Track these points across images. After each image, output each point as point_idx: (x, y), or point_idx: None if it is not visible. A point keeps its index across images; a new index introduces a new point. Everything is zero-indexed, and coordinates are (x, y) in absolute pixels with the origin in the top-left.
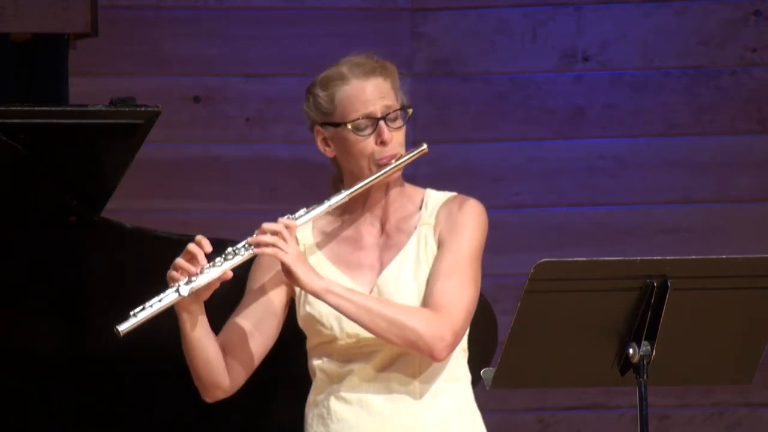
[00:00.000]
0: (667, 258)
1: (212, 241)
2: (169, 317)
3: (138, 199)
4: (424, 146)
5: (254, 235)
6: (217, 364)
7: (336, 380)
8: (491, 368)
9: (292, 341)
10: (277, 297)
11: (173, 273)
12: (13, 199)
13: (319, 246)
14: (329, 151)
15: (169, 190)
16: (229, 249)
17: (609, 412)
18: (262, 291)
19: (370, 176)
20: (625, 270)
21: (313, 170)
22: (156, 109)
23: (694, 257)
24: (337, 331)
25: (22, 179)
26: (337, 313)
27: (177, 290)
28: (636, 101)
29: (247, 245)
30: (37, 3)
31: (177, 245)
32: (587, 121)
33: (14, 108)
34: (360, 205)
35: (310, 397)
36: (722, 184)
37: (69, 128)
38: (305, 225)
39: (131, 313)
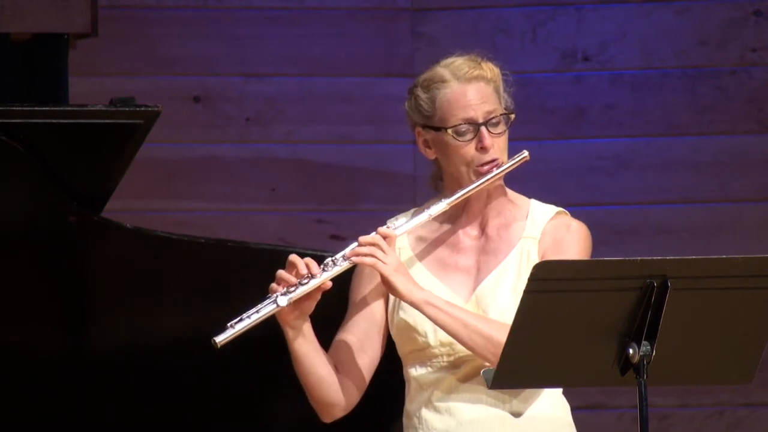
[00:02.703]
0: (667, 258)
1: (214, 242)
2: (171, 317)
3: (138, 199)
4: (525, 153)
5: (351, 248)
6: (330, 382)
7: (427, 388)
8: (491, 368)
9: None
10: (379, 308)
11: (273, 285)
12: (13, 199)
13: (414, 249)
14: (430, 153)
15: (169, 190)
16: (328, 260)
17: (609, 412)
18: (365, 304)
19: (472, 184)
20: (625, 270)
21: (313, 170)
22: (156, 109)
23: (694, 257)
24: (431, 339)
25: (22, 179)
26: (429, 321)
27: (275, 301)
28: (636, 101)
29: (345, 257)
30: (37, 3)
31: (177, 245)
32: (587, 121)
33: (14, 108)
34: (460, 210)
35: (405, 406)
36: (722, 184)
37: (69, 128)
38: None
39: (228, 324)
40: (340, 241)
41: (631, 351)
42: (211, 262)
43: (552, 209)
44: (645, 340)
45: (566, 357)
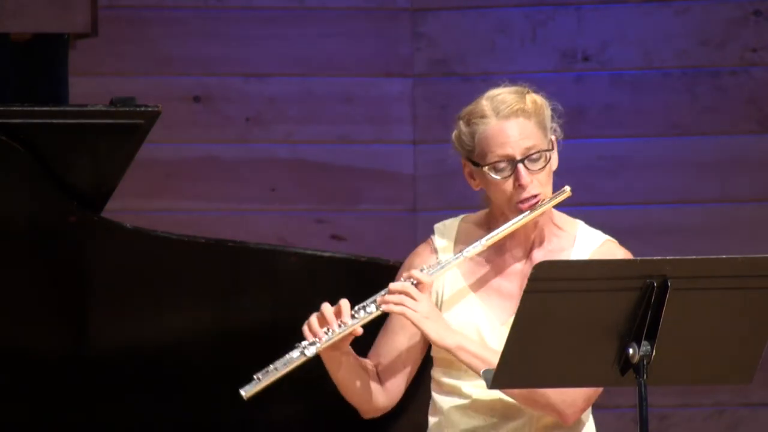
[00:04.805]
0: (667, 258)
1: (214, 242)
2: (171, 317)
3: (138, 199)
4: (567, 190)
5: (382, 294)
6: (368, 392)
7: (456, 392)
8: (491, 368)
9: None
10: None
11: (305, 330)
12: (13, 199)
13: (460, 267)
14: (474, 184)
15: (169, 190)
16: (357, 306)
17: (609, 412)
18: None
19: (506, 225)
20: (625, 270)
21: (313, 170)
22: (156, 109)
23: (694, 257)
24: None
25: (22, 179)
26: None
27: (302, 352)
28: (636, 101)
29: (375, 304)
30: (37, 3)
31: (177, 245)
32: (587, 121)
33: (14, 108)
34: (507, 235)
35: (434, 404)
36: (722, 184)
37: (69, 128)
38: (449, 245)
39: (255, 376)
40: (341, 241)
41: (631, 351)
42: (211, 262)
43: (600, 237)
44: (645, 340)
45: (566, 357)
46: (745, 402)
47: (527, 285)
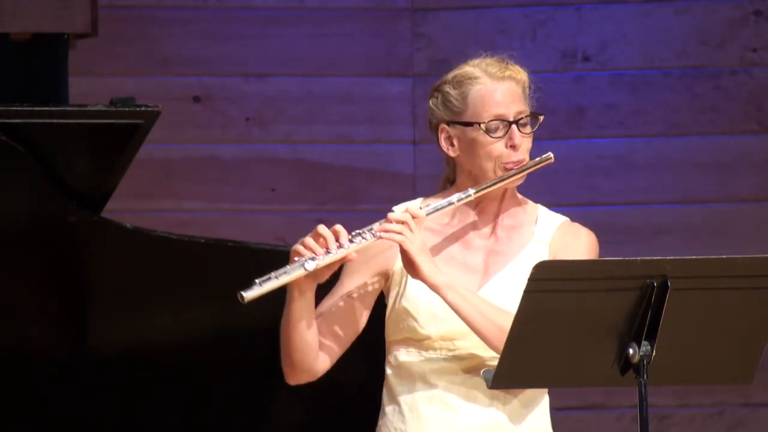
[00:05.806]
0: (667, 258)
1: (214, 242)
2: (171, 317)
3: (138, 199)
4: (551, 155)
5: (380, 223)
6: (313, 348)
7: (419, 378)
8: (491, 368)
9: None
10: (371, 288)
11: (300, 248)
12: (13, 199)
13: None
14: (452, 150)
15: (169, 190)
16: (355, 232)
17: (609, 412)
18: (358, 280)
19: (497, 178)
20: (625, 270)
21: (313, 170)
22: (156, 109)
23: (694, 257)
24: (432, 331)
25: (22, 179)
26: (433, 314)
27: (302, 265)
28: (636, 101)
29: (372, 232)
30: (37, 3)
31: (177, 245)
32: (587, 121)
33: (14, 108)
34: (472, 207)
35: (391, 390)
36: (722, 184)
37: (69, 128)
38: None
39: (256, 281)
40: None
41: (631, 351)
42: (211, 262)
43: (560, 217)
44: (645, 340)
45: (566, 357)
46: (745, 402)
47: (527, 285)
